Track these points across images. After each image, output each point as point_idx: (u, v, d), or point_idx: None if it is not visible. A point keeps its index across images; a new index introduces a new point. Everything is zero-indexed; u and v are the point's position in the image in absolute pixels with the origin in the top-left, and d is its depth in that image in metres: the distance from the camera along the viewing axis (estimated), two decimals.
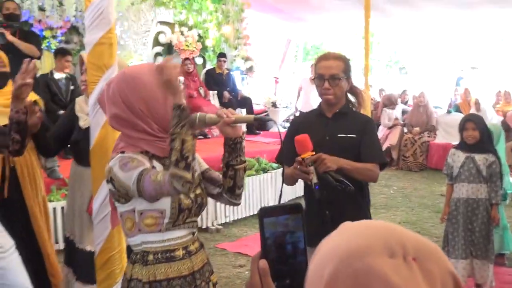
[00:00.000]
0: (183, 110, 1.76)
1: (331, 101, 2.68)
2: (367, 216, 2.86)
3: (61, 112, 5.59)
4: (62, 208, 4.86)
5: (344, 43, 33.52)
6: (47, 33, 7.75)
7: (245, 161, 1.98)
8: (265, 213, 0.90)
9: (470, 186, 3.88)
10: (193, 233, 1.96)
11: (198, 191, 1.94)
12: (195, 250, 1.94)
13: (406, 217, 6.47)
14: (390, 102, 10.53)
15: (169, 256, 1.85)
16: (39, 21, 7.63)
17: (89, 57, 2.55)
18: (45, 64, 7.86)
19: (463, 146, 3.97)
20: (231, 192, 2.01)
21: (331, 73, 2.62)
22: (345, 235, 0.72)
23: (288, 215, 0.90)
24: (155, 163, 1.86)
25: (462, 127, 3.94)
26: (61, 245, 5.07)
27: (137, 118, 1.83)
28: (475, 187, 3.87)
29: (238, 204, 2.09)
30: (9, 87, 3.24)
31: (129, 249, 2.06)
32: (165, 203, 1.82)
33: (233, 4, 10.66)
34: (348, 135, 2.66)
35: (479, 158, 3.86)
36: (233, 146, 1.92)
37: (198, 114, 1.85)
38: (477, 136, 3.86)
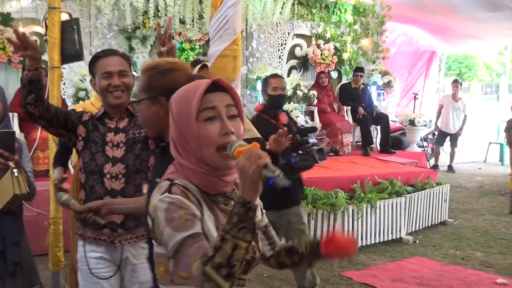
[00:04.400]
0: (249, 210, 1.35)
1: None
2: None
3: None
4: None
5: (492, 57, 31.40)
6: (186, 45, 7.92)
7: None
8: None
9: None
10: None
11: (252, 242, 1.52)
12: None
13: None
14: None
15: None
16: (179, 33, 7.81)
17: (212, 70, 2.37)
18: None
19: None
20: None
21: None
22: None
23: None
24: (205, 209, 1.48)
25: None
26: None
27: (179, 148, 1.53)
28: None
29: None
30: None
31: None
32: None
33: (374, 16, 10.22)
34: None
35: None
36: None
37: (236, 144, 1.44)
38: None
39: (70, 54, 4.00)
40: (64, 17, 4.20)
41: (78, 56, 4.06)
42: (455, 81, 11.19)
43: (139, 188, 2.58)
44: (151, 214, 1.46)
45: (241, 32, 8.39)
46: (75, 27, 4.04)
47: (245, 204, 1.35)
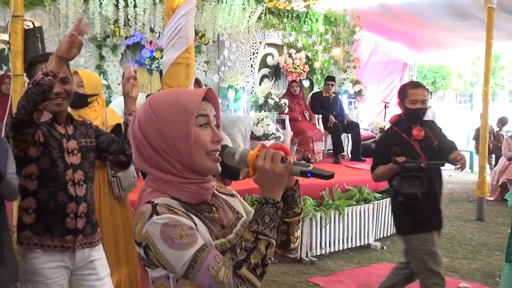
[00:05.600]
0: (278, 209, 1.44)
1: None
2: None
3: None
4: None
5: (466, 67, 31.98)
6: (157, 54, 7.93)
7: (299, 213, 1.61)
8: None
9: None
10: None
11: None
12: None
13: None
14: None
15: None
16: (150, 42, 7.83)
17: (165, 78, 2.41)
18: (155, 84, 8.05)
19: None
20: (284, 247, 1.64)
21: None
22: None
23: None
24: (195, 219, 1.45)
25: None
26: None
27: (158, 156, 1.47)
28: None
29: (293, 257, 1.71)
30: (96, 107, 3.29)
31: None
32: None
33: (345, 25, 10.36)
34: None
35: None
36: (285, 199, 1.56)
37: (241, 150, 1.50)
38: None
39: None
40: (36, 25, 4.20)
41: None
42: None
43: (93, 195, 2.61)
44: (142, 242, 1.40)
45: (213, 42, 8.50)
46: (38, 35, 4.04)
47: (275, 204, 1.42)
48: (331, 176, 1.43)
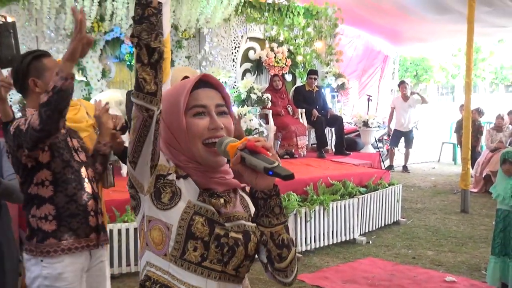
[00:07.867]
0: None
1: None
2: None
3: None
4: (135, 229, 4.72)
5: (447, 59, 32.16)
6: None
7: (281, 223, 1.40)
8: None
9: None
10: None
11: (239, 235, 1.44)
12: None
13: None
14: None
15: None
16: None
17: None
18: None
19: None
20: (270, 263, 1.44)
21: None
22: None
23: None
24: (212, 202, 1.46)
25: None
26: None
27: (171, 148, 1.50)
28: None
29: (287, 284, 1.47)
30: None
31: None
32: (174, 217, 1.39)
33: (326, 19, 10.30)
34: None
35: None
36: (257, 201, 1.38)
37: (228, 140, 1.40)
38: None
39: (7, 59, 3.86)
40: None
41: (16, 61, 3.93)
42: (402, 83, 11.39)
43: None
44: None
45: (193, 36, 8.38)
46: (12, 31, 3.91)
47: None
48: (289, 176, 1.27)
